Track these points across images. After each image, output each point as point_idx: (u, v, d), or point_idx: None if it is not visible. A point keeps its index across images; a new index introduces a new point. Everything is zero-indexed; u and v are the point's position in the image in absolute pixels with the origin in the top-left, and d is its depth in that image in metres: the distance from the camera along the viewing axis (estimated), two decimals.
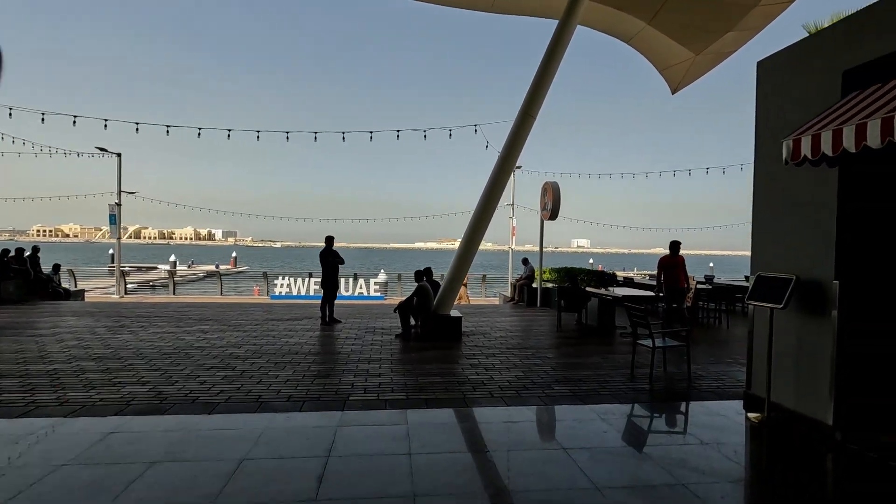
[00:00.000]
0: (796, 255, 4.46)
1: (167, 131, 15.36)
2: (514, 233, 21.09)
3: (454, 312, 8.90)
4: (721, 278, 16.90)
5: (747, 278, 16.12)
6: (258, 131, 13.89)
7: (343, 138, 11.91)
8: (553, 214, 11.69)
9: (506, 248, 21.95)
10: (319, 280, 10.07)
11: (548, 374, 6.04)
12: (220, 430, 3.99)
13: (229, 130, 15.05)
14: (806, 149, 3.67)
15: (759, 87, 5.10)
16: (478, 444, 3.84)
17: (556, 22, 9.30)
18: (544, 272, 13.64)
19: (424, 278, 8.89)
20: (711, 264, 45.69)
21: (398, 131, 11.06)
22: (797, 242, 4.46)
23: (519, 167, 20.20)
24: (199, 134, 15.17)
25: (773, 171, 4.81)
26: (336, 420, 4.27)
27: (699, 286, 10.52)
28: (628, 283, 13.33)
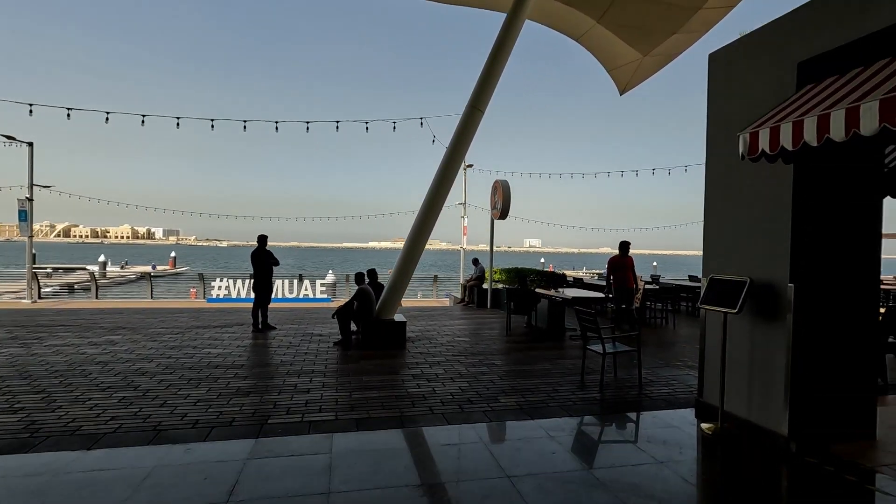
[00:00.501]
0: (750, 256, 4.24)
1: (107, 118, 13.62)
2: (465, 232, 20.77)
3: (399, 317, 8.37)
4: (665, 277, 17.25)
5: (691, 278, 16.52)
6: (177, 119, 12.69)
7: (276, 128, 11.02)
8: (503, 213, 11.37)
9: (458, 247, 21.58)
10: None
11: (494, 383, 5.62)
12: (97, 472, 3.27)
13: (177, 118, 13.58)
14: (764, 143, 3.40)
15: (711, 80, 4.89)
16: (410, 476, 3.34)
17: (505, 15, 8.97)
18: (495, 272, 13.34)
19: (367, 280, 8.30)
20: (655, 263, 47.44)
21: (337, 122, 10.36)
22: (751, 243, 4.24)
23: (470, 166, 19.91)
24: (143, 122, 13.62)
25: (725, 168, 4.59)
26: (246, 451, 3.63)
27: (646, 286, 10.49)
28: (578, 283, 13.25)
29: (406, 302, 16.58)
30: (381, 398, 4.99)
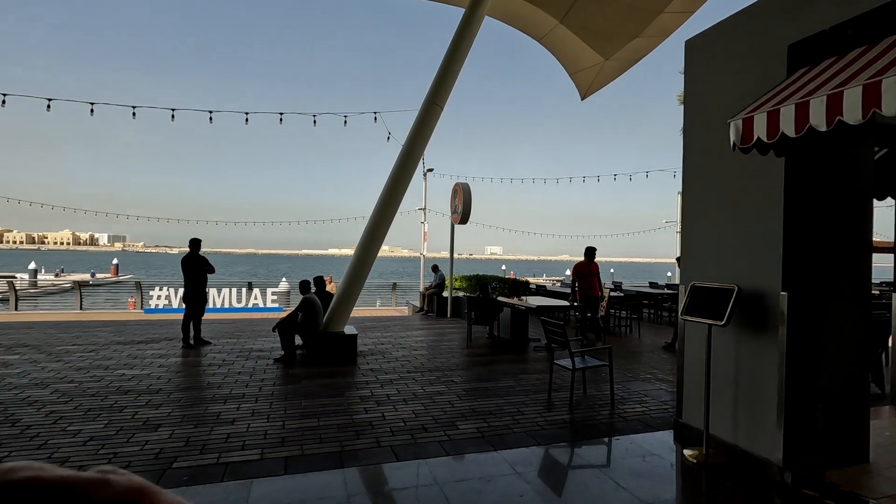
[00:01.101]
0: (736, 261, 3.80)
1: (48, 106, 11.92)
2: (425, 238, 20.13)
3: (349, 329, 7.62)
4: (625, 284, 17.17)
5: (652, 284, 16.47)
6: (132, 109, 11.35)
7: (210, 119, 9.96)
8: (464, 218, 10.81)
9: (418, 254, 20.94)
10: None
11: (453, 405, 4.98)
12: None
13: (134, 108, 12.04)
14: (760, 129, 2.95)
15: (688, 69, 4.49)
16: None
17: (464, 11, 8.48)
18: (455, 280, 12.75)
19: (313, 289, 7.51)
20: (612, 270, 48.29)
21: (281, 114, 9.52)
22: (738, 247, 3.81)
23: (430, 170, 19.34)
24: (92, 111, 12.04)
25: (705, 164, 4.17)
26: None
27: (611, 294, 10.15)
28: (541, 291, 12.85)
29: (361, 311, 15.75)
30: (320, 428, 4.25)
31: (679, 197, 24.67)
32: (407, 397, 5.25)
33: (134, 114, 10.13)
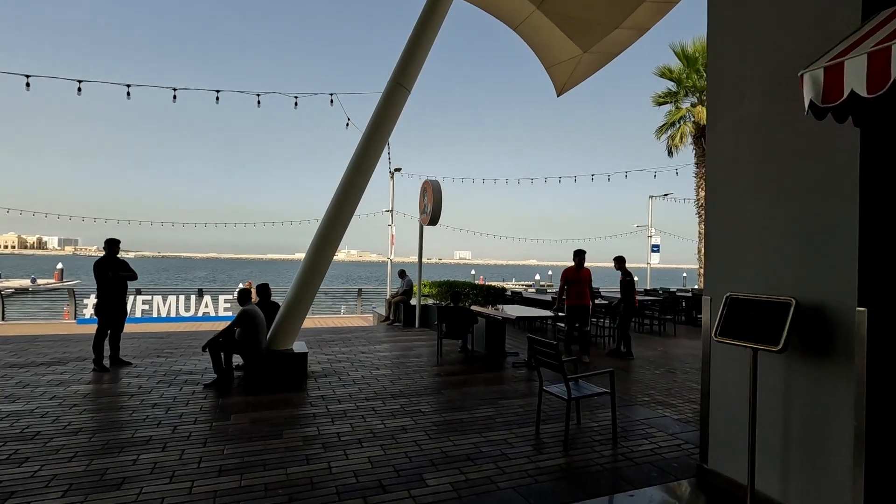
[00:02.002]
0: (788, 267, 2.94)
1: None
2: (392, 241, 19.06)
3: (299, 346, 6.50)
4: (602, 290, 16.55)
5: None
6: (78, 83, 9.72)
7: (128, 94, 8.35)
8: (434, 218, 9.83)
9: (386, 258, 19.83)
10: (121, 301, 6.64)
11: (420, 447, 3.97)
12: None
13: (79, 83, 10.25)
14: (855, 78, 2.08)
15: (715, 27, 3.64)
16: None
17: None
18: (424, 286, 11.73)
19: (255, 299, 6.36)
20: (550, 272, 48.39)
21: (217, 91, 8.24)
22: (788, 248, 2.95)
23: (398, 169, 18.31)
24: (26, 85, 10.19)
25: (738, 144, 3.32)
26: None
27: (595, 302, 9.33)
28: (517, 298, 11.97)
29: (322, 320, 14.53)
30: (240, 492, 3.16)
31: (651, 201, 24.47)
32: (363, 436, 4.20)
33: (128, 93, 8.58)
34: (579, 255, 7.56)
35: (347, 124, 8.43)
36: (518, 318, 7.17)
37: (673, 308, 11.36)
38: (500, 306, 8.58)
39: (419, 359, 7.49)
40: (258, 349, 5.94)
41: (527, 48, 12.61)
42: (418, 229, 11.13)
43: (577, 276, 7.51)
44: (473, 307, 8.37)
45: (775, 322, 2.76)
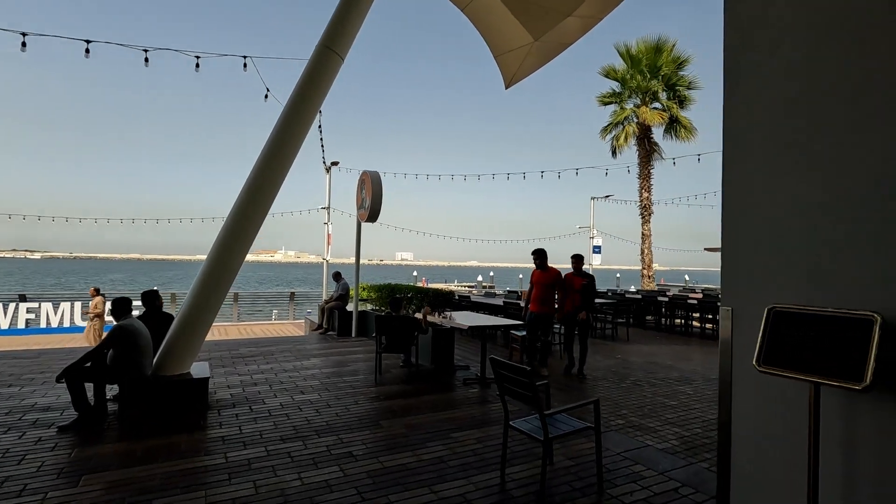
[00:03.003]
0: (863, 268, 2.16)
1: None
2: (329, 241, 17.64)
3: (199, 369, 5.20)
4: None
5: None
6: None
7: (23, 43, 6.53)
8: (373, 214, 8.71)
9: (322, 259, 18.36)
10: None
11: None
12: None
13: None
14: None
15: None
16: None
17: None
18: (362, 290, 10.55)
19: (132, 313, 4.98)
20: (521, 276, 48.45)
21: (87, 42, 6.54)
22: (863, 243, 2.17)
23: (336, 163, 16.94)
24: None
25: (774, 111, 2.52)
26: None
27: None
28: (465, 303, 11.05)
29: (245, 329, 12.94)
30: None
31: (592, 202, 24.57)
32: (270, 496, 3.05)
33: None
34: (538, 255, 6.73)
35: (266, 96, 7.13)
36: (472, 327, 6.22)
37: (627, 311, 10.92)
38: (448, 312, 7.62)
39: (354, 377, 6.35)
40: (140, 376, 4.58)
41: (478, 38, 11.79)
42: (356, 227, 9.95)
43: (544, 278, 6.69)
44: (417, 315, 7.34)
45: (849, 346, 1.96)
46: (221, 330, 12.50)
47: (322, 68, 5.53)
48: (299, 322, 15.20)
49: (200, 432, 4.26)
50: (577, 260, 7.02)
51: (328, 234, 17.79)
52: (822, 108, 2.33)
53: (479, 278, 43.32)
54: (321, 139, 14.05)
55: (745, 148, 2.66)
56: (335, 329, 10.11)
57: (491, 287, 40.46)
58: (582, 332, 6.81)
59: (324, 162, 16.10)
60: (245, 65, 6.51)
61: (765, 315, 2.28)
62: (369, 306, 10.53)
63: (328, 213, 17.66)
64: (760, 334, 2.26)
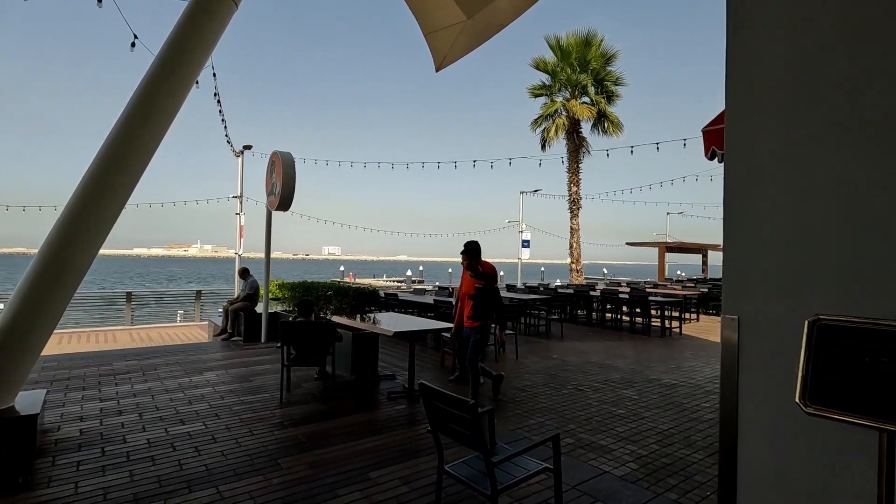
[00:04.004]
0: None
1: None
2: (241, 234, 15.92)
3: (29, 399, 3.89)
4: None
5: (510, 287, 14.96)
6: None
7: None
8: (285, 201, 7.54)
9: (234, 254, 16.62)
10: None
11: None
12: None
13: None
14: None
15: None
16: None
17: None
18: (276, 288, 9.29)
19: None
20: (421, 268, 48.22)
21: None
22: None
23: (248, 147, 15.26)
24: None
25: (796, 64, 1.89)
26: None
27: None
28: (393, 300, 10.10)
29: (142, 333, 11.12)
30: None
31: (522, 196, 24.54)
32: None
33: None
34: (473, 248, 5.32)
35: (133, 43, 5.68)
36: (398, 333, 5.33)
37: (562, 307, 10.57)
38: (371, 314, 6.69)
39: (256, 396, 5.25)
40: None
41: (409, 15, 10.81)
42: (266, 216, 8.69)
43: (477, 274, 5.91)
44: (335, 318, 6.33)
45: None
46: (108, 336, 10.61)
47: (208, 11, 4.35)
48: (205, 324, 13.48)
49: (13, 496, 3.03)
50: (469, 254, 5.27)
51: (240, 226, 16.05)
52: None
53: (409, 273, 42.46)
54: (220, 112, 12.37)
55: (755, 108, 2.01)
56: (241, 334, 8.79)
57: (420, 282, 39.72)
58: (472, 348, 5.22)
59: (228, 142, 14.40)
60: (100, 1, 5.03)
61: (805, 330, 1.61)
62: (281, 307, 9.29)
63: (240, 203, 15.92)
64: (802, 358, 1.58)
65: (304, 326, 5.28)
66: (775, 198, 1.91)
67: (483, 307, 5.20)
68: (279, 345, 5.26)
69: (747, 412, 1.98)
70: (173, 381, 5.83)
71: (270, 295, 8.86)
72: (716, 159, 3.78)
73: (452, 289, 12.13)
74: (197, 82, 5.06)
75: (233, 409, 4.81)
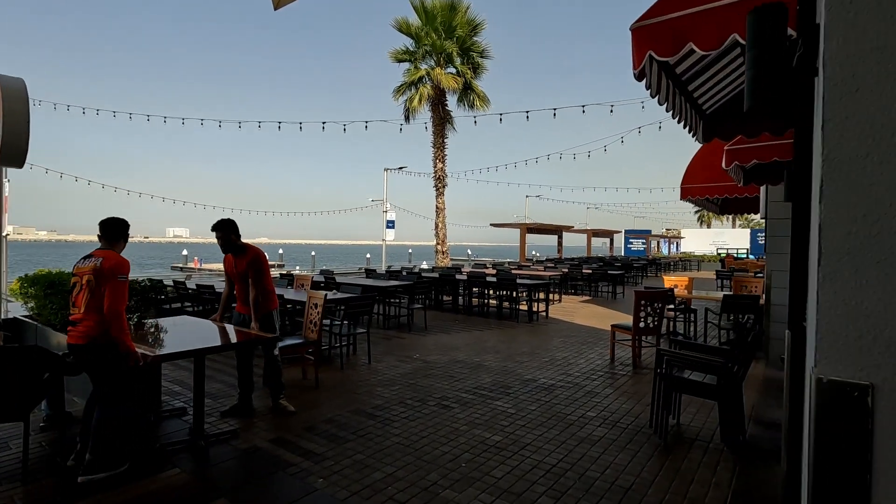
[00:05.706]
0: None
1: None
2: (5, 207, 11.79)
3: None
4: (337, 273, 13.77)
5: (369, 273, 13.36)
6: None
7: None
8: (9, 150, 4.96)
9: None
10: None
11: None
12: None
13: None
14: None
15: None
16: None
17: None
18: (13, 286, 6.47)
19: None
20: (314, 253, 44.70)
21: None
22: None
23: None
24: None
25: None
26: None
27: (326, 297, 6.08)
28: (207, 293, 7.83)
29: None
30: None
31: (386, 174, 22.97)
32: None
33: None
34: (227, 225, 4.19)
35: None
36: (165, 355, 3.45)
37: (426, 293, 9.35)
38: (151, 323, 4.59)
39: None
40: None
41: None
42: None
43: (233, 267, 4.29)
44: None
45: None
46: None
47: None
48: None
49: None
50: (221, 231, 4.22)
51: (4, 198, 11.88)
52: None
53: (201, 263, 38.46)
54: None
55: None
56: None
57: (281, 266, 36.07)
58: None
59: None
60: None
61: None
62: (26, 315, 6.46)
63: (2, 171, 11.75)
64: None
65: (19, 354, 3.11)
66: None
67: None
68: None
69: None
70: None
71: (9, 294, 6.11)
72: (644, 80, 2.67)
73: (296, 277, 10.22)
74: None
75: None
